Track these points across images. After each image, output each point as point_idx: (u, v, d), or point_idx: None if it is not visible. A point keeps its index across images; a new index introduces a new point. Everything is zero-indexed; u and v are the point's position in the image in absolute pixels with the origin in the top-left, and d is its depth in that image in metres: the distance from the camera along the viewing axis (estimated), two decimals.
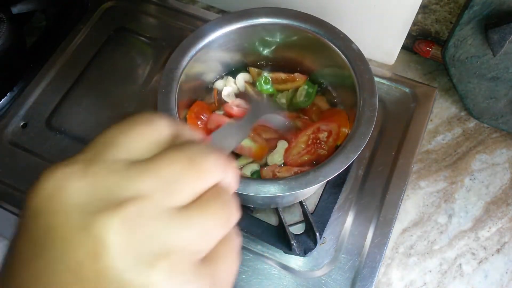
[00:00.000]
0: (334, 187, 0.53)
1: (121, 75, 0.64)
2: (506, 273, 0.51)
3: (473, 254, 0.52)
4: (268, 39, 0.51)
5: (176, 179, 0.17)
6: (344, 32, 0.47)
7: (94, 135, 0.19)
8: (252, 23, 0.49)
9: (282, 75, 0.53)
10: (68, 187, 0.17)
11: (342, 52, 0.47)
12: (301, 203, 0.51)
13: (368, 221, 0.52)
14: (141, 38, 0.67)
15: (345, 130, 0.49)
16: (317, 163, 0.46)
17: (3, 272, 0.17)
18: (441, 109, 0.62)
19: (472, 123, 0.60)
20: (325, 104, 0.52)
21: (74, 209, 0.16)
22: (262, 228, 0.51)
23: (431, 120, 0.60)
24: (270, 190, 0.39)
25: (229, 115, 0.51)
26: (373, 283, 0.48)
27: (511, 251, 0.52)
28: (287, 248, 0.50)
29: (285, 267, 0.50)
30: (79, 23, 0.68)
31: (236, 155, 0.49)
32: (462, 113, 0.61)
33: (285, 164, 0.48)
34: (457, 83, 0.57)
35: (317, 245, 0.50)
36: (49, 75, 0.64)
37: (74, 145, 0.58)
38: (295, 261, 0.50)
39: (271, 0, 0.55)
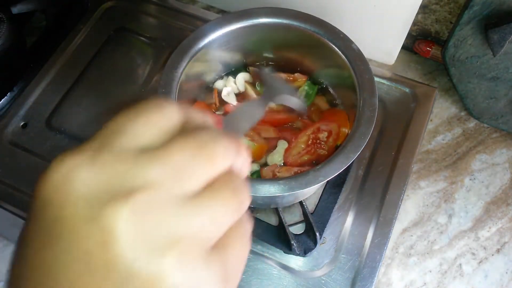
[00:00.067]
0: (334, 187, 0.53)
1: (121, 75, 0.64)
2: (506, 273, 0.51)
3: (473, 254, 0.52)
4: (268, 39, 0.51)
5: (186, 166, 0.17)
6: (344, 32, 0.47)
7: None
8: (252, 23, 0.49)
9: (282, 75, 0.53)
10: (76, 177, 0.16)
11: (342, 52, 0.47)
12: (301, 203, 0.51)
13: (368, 221, 0.52)
14: (141, 38, 0.67)
15: (345, 130, 0.49)
16: (317, 163, 0.46)
17: (14, 260, 0.17)
18: (441, 109, 0.62)
19: (472, 123, 0.60)
20: (325, 104, 0.52)
21: (82, 200, 0.16)
22: (262, 228, 0.51)
23: (431, 120, 0.60)
24: (270, 190, 0.39)
25: None
26: (373, 283, 0.48)
27: (511, 251, 0.52)
28: (287, 248, 0.50)
29: (285, 267, 0.50)
30: (79, 23, 0.68)
31: None
32: (462, 113, 0.61)
33: (285, 164, 0.48)
34: (457, 83, 0.57)
35: (317, 245, 0.50)
36: (49, 75, 0.64)
37: (74, 145, 0.58)
38: (295, 261, 0.50)
39: (271, 0, 0.55)
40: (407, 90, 0.60)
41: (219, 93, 0.53)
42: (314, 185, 0.39)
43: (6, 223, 0.53)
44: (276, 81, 0.45)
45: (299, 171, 0.46)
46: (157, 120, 0.18)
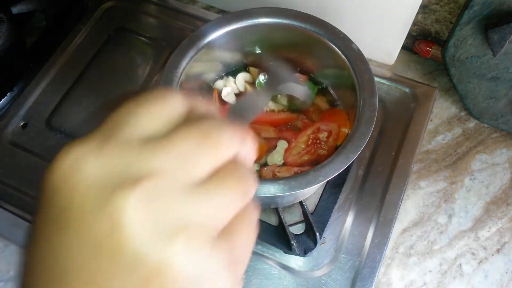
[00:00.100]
0: (334, 187, 0.53)
1: (121, 75, 0.64)
2: (506, 273, 0.51)
3: (473, 254, 0.52)
4: (268, 39, 0.51)
5: (190, 154, 0.17)
6: (344, 32, 0.47)
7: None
8: (252, 23, 0.49)
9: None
10: (83, 166, 0.17)
11: (342, 52, 0.47)
12: (301, 203, 0.51)
13: (368, 221, 0.52)
14: (141, 38, 0.67)
15: (345, 130, 0.49)
16: (317, 163, 0.46)
17: (27, 246, 0.18)
18: (441, 109, 0.62)
19: (472, 123, 0.60)
20: (325, 104, 0.52)
21: (90, 188, 0.16)
22: (262, 228, 0.51)
23: (431, 120, 0.60)
24: (270, 190, 0.39)
25: None
26: (373, 283, 0.48)
27: (511, 251, 0.52)
28: (287, 248, 0.50)
29: (285, 267, 0.50)
30: (79, 23, 0.68)
31: None
32: (462, 113, 0.61)
33: (285, 164, 0.48)
34: (457, 83, 0.57)
35: (317, 245, 0.50)
36: (49, 75, 0.64)
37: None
38: (295, 261, 0.50)
39: (271, 0, 0.55)
40: (407, 90, 0.60)
41: (219, 93, 0.53)
42: (314, 185, 0.39)
43: (6, 223, 0.53)
44: (281, 69, 0.44)
45: (299, 171, 0.46)
46: (160, 110, 0.18)
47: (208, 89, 0.54)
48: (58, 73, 0.64)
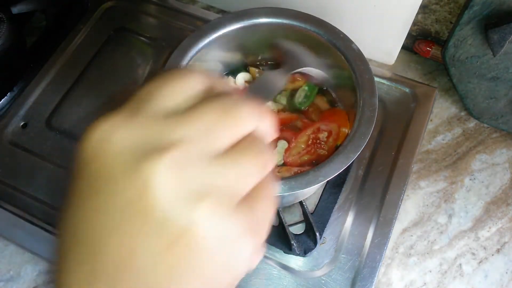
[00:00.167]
0: (334, 187, 0.53)
1: (121, 75, 0.64)
2: (506, 273, 0.51)
3: (473, 254, 0.52)
4: (268, 39, 0.51)
5: (212, 126, 0.18)
6: (344, 32, 0.47)
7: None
8: (252, 23, 0.49)
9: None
10: (114, 137, 0.18)
11: (342, 52, 0.47)
12: (301, 203, 0.51)
13: (368, 221, 0.52)
14: (141, 38, 0.67)
15: (345, 130, 0.49)
16: (317, 163, 0.46)
17: (62, 215, 0.19)
18: (441, 109, 0.62)
19: (472, 123, 0.60)
20: (325, 104, 0.52)
21: (120, 156, 0.17)
22: None
23: (431, 120, 0.60)
24: None
25: None
26: (373, 283, 0.48)
27: (511, 251, 0.52)
28: (287, 248, 0.50)
29: (285, 267, 0.50)
30: (79, 23, 0.68)
31: None
32: (462, 113, 0.61)
33: (285, 164, 0.48)
34: (457, 83, 0.57)
35: (317, 245, 0.50)
36: (49, 75, 0.64)
37: (74, 145, 0.58)
38: (295, 261, 0.50)
39: (271, 0, 0.55)
40: (407, 90, 0.60)
41: None
42: (314, 185, 0.39)
43: (6, 223, 0.53)
44: (299, 51, 0.44)
45: (299, 171, 0.46)
46: (183, 86, 0.20)
47: None
48: (58, 73, 0.64)
